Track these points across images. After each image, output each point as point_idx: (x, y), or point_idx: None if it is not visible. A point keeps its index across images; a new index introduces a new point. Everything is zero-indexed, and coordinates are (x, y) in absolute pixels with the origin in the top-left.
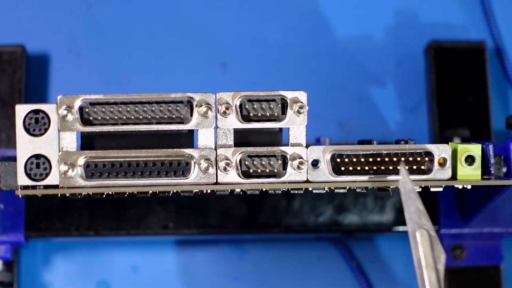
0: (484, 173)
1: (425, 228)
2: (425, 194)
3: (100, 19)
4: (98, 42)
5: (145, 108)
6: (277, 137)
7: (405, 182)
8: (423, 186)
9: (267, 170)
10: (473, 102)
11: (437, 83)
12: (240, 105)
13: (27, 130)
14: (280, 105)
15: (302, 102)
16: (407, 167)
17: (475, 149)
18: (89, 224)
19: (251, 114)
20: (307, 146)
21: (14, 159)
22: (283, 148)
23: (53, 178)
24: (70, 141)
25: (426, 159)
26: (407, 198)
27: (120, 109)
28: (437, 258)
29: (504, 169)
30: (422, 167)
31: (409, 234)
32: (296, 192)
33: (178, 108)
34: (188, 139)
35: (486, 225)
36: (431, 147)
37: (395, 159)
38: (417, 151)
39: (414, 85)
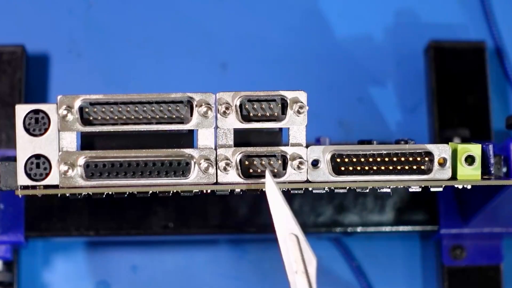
0: (484, 173)
1: (293, 233)
2: (425, 194)
3: (100, 19)
4: (98, 42)
5: (145, 108)
6: (277, 137)
7: (271, 187)
8: (423, 186)
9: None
10: (473, 102)
11: (437, 83)
12: (240, 105)
13: (27, 130)
14: (280, 105)
15: (302, 102)
16: (407, 167)
17: (475, 149)
18: (89, 224)
19: (251, 114)
20: (307, 146)
21: (14, 159)
22: (283, 148)
23: (53, 178)
24: (70, 141)
25: (426, 159)
26: (274, 204)
27: (120, 109)
28: (308, 262)
29: (504, 169)
30: (422, 167)
31: (279, 239)
32: (296, 192)
33: (178, 108)
34: (188, 139)
35: (486, 225)
36: (431, 147)
37: (395, 159)
38: (417, 151)
39: (414, 85)
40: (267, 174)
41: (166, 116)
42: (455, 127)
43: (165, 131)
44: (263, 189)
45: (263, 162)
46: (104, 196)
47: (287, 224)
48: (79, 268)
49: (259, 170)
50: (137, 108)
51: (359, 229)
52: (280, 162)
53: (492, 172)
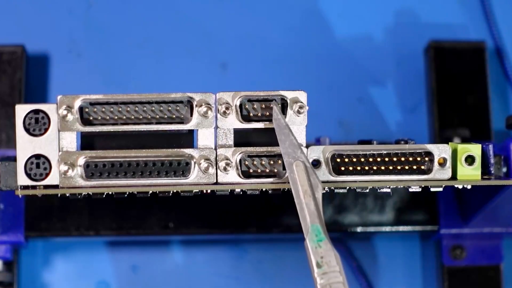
0: (484, 173)
1: (300, 160)
2: (425, 194)
3: (100, 19)
4: (98, 42)
5: (145, 108)
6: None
7: (278, 119)
8: (423, 186)
9: (267, 170)
10: (473, 102)
11: (437, 83)
12: (240, 105)
13: (27, 130)
14: (280, 105)
15: (302, 102)
16: (407, 167)
17: (475, 149)
18: (89, 224)
19: (251, 114)
20: (307, 146)
21: (14, 159)
22: None
23: (53, 178)
24: (70, 141)
25: (426, 159)
26: (281, 134)
27: (120, 109)
28: (315, 187)
29: (504, 169)
30: (422, 167)
31: (286, 166)
32: None
33: (178, 108)
34: (188, 139)
35: (486, 225)
36: (431, 147)
37: (395, 159)
38: (417, 151)
39: (414, 85)
40: (274, 107)
41: (166, 116)
42: (455, 127)
43: (165, 131)
44: (263, 189)
45: (263, 162)
46: (104, 196)
47: (294, 152)
48: (79, 268)
49: (259, 170)
50: (137, 108)
51: (359, 229)
52: (280, 162)
53: (492, 172)
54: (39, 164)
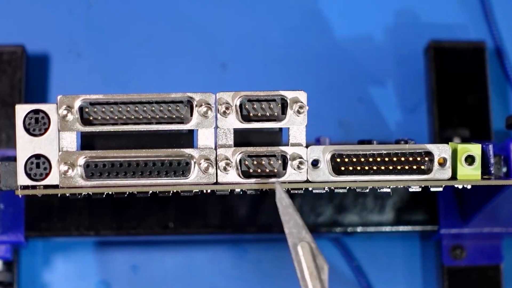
0: (484, 173)
1: (306, 240)
2: (425, 194)
3: (100, 19)
4: (98, 42)
5: (145, 108)
6: (277, 137)
7: (282, 198)
8: (423, 186)
9: (267, 170)
10: (473, 102)
11: (437, 83)
12: (240, 105)
13: (27, 130)
14: (280, 105)
15: (302, 102)
16: (407, 167)
17: (475, 149)
18: (89, 224)
19: (251, 114)
20: (307, 146)
21: (14, 159)
22: (283, 148)
23: (53, 178)
24: (70, 141)
25: (426, 159)
26: (285, 214)
27: (120, 109)
28: (321, 269)
29: (504, 169)
30: (422, 167)
31: (290, 248)
32: (296, 192)
33: (178, 108)
34: (188, 139)
35: (486, 225)
36: (431, 147)
37: (395, 159)
38: (417, 151)
39: (414, 85)
40: (277, 186)
41: (166, 116)
42: (455, 127)
43: (165, 131)
44: (263, 189)
45: (263, 162)
46: (104, 196)
47: (298, 233)
48: (79, 268)
49: (259, 170)
50: (137, 108)
51: (359, 229)
52: (280, 162)
53: (492, 172)
54: (39, 164)
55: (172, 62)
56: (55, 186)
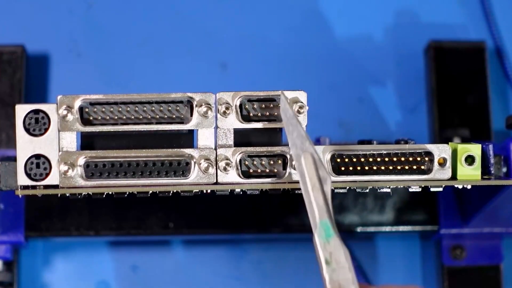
0: (484, 173)
1: (309, 151)
2: (425, 194)
3: (100, 19)
4: (98, 42)
5: (145, 108)
6: (277, 137)
7: (286, 109)
8: (423, 186)
9: (267, 170)
10: (473, 102)
11: (437, 83)
12: (240, 105)
13: (27, 130)
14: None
15: (302, 102)
16: (407, 167)
17: (475, 149)
18: (89, 224)
19: (251, 114)
20: None
21: (14, 159)
22: (283, 148)
23: (53, 178)
24: (70, 141)
25: (426, 159)
26: (289, 125)
27: (120, 109)
28: (323, 180)
29: (504, 169)
30: (422, 167)
31: (294, 158)
32: (296, 192)
33: (178, 108)
34: (188, 139)
35: (486, 225)
36: (431, 147)
37: (395, 159)
38: (417, 151)
39: (414, 85)
40: (281, 97)
41: (166, 116)
42: (455, 127)
43: (165, 131)
44: (263, 189)
45: (263, 162)
46: (104, 196)
47: (301, 144)
48: (79, 268)
49: (259, 170)
50: (137, 108)
51: (359, 229)
52: (280, 162)
53: (492, 172)
54: (39, 164)
55: (172, 62)
56: (55, 186)
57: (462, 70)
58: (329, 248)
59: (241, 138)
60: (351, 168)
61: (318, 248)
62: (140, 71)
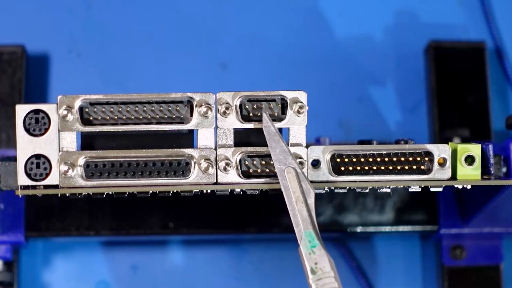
0: (484, 173)
1: (292, 166)
2: (425, 194)
3: (100, 19)
4: (98, 42)
5: (145, 108)
6: None
7: (268, 126)
8: (423, 186)
9: (267, 170)
10: (473, 102)
11: (437, 83)
12: (240, 105)
13: (27, 130)
14: (280, 105)
15: (302, 102)
16: (407, 167)
17: (475, 149)
18: (89, 224)
19: (251, 114)
20: (307, 146)
21: (14, 159)
22: None
23: (53, 178)
24: (70, 141)
25: (426, 159)
26: (271, 141)
27: (120, 109)
28: (306, 193)
29: (504, 169)
30: (422, 167)
31: (278, 173)
32: None
33: (178, 108)
34: (188, 139)
35: (486, 225)
36: (431, 147)
37: (395, 159)
38: (417, 151)
39: (414, 85)
40: (264, 114)
41: (166, 116)
42: (455, 127)
43: (165, 131)
44: (263, 189)
45: (263, 162)
46: (104, 196)
47: (284, 159)
48: (79, 268)
49: (259, 170)
50: (137, 108)
51: (359, 229)
52: None
53: (492, 172)
54: (39, 164)
55: (172, 62)
56: (55, 186)
57: (462, 70)
58: (314, 257)
59: (241, 138)
60: (351, 168)
61: (304, 258)
62: (140, 71)
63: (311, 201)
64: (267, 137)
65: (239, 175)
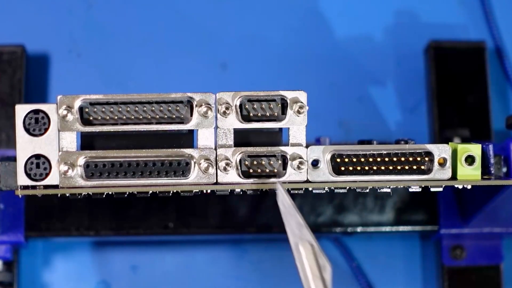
0: (484, 173)
1: (307, 240)
2: (425, 194)
3: (100, 19)
4: (98, 42)
5: (145, 108)
6: (277, 137)
7: (284, 199)
8: (423, 186)
9: (267, 170)
10: (473, 102)
11: (437, 83)
12: (240, 105)
13: (27, 130)
14: (280, 105)
15: (302, 102)
16: (407, 167)
17: (475, 149)
18: (89, 224)
19: (251, 114)
20: (307, 146)
21: (14, 159)
22: (283, 148)
23: (53, 178)
24: (70, 141)
25: (426, 159)
26: (287, 214)
27: (120, 109)
28: (323, 268)
29: (504, 169)
30: (422, 167)
31: (292, 247)
32: (296, 192)
33: (178, 108)
34: (188, 139)
35: (486, 225)
36: (431, 147)
37: (395, 159)
38: (417, 151)
39: (414, 85)
40: (278, 187)
41: (166, 116)
42: (455, 127)
43: (165, 131)
44: (263, 189)
45: (263, 162)
46: (104, 196)
47: (300, 232)
48: (79, 268)
49: (259, 170)
50: (137, 108)
51: (359, 229)
52: (280, 162)
53: (492, 172)
54: (39, 164)
55: (172, 62)
56: (55, 186)
57: (462, 70)
58: None
59: (241, 138)
60: (351, 168)
61: None
62: (140, 71)
63: (328, 276)
64: (282, 209)
65: (239, 175)
